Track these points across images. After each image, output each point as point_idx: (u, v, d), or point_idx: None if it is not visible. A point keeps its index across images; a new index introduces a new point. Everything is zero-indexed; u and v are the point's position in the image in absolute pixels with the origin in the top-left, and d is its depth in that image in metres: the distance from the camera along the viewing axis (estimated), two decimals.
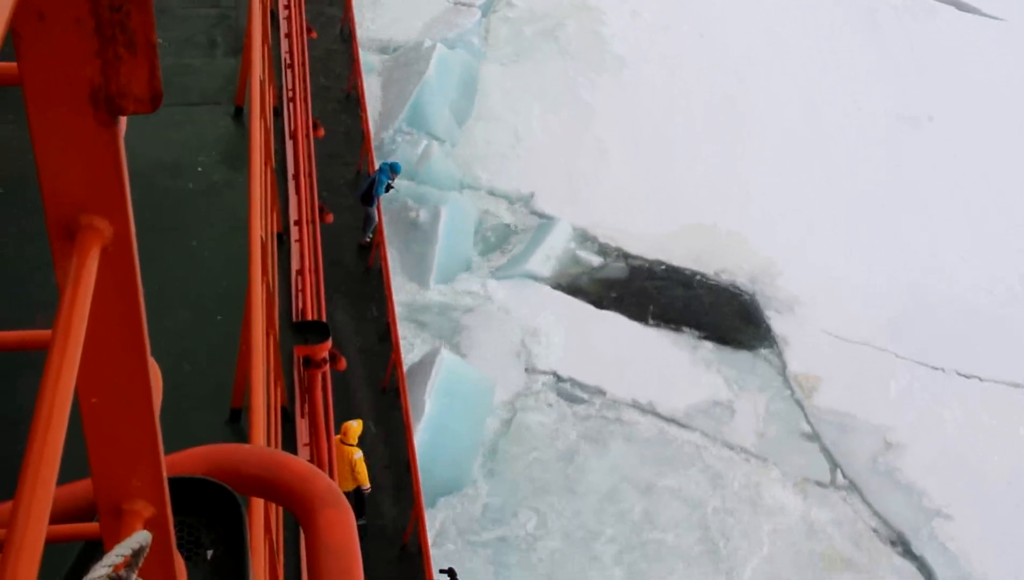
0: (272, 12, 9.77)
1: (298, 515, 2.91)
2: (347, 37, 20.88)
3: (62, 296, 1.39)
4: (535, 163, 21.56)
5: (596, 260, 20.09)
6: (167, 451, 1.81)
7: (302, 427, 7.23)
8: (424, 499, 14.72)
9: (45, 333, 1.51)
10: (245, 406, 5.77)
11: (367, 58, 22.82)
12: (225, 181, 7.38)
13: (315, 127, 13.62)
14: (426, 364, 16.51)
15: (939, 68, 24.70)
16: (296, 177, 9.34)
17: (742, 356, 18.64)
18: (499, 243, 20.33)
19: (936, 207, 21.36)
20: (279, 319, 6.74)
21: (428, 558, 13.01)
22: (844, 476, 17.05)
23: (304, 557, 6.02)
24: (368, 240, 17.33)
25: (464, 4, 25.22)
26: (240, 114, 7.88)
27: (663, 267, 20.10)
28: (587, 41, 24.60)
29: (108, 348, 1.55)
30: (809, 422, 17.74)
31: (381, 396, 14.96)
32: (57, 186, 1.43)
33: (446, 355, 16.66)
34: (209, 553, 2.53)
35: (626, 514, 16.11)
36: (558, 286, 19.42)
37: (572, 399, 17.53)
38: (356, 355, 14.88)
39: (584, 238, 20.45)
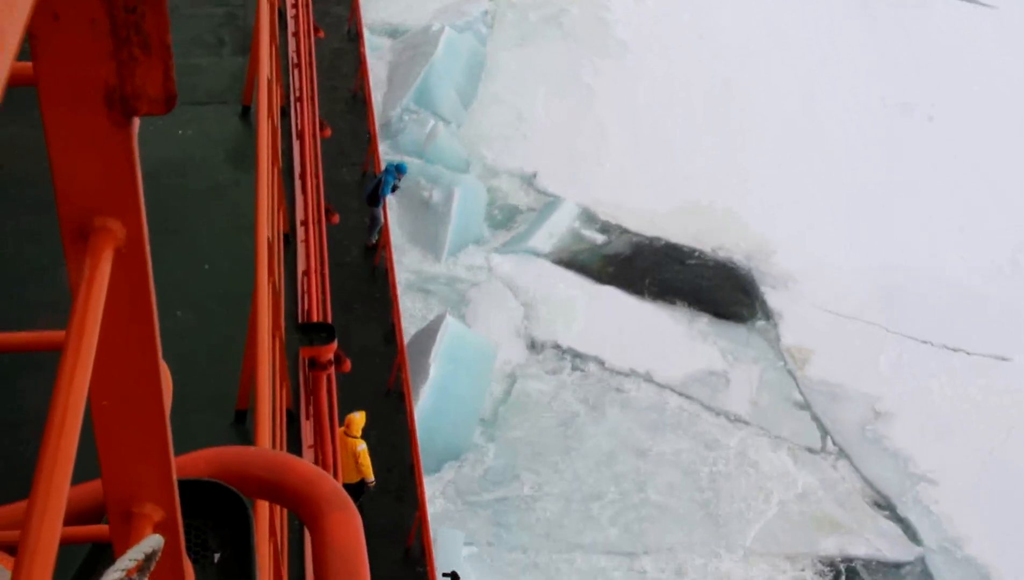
0: (280, 11, 9.77)
1: (305, 518, 2.90)
2: (354, 37, 20.88)
3: (75, 298, 1.38)
4: (538, 144, 22.28)
5: (597, 237, 20.74)
6: (174, 453, 1.81)
7: (307, 429, 7.23)
8: (428, 464, 15.40)
9: (57, 334, 1.50)
10: (250, 408, 5.76)
11: (377, 41, 23.92)
12: (232, 181, 7.38)
13: (322, 127, 13.62)
14: (431, 330, 16.95)
15: (932, 56, 25.36)
16: (303, 177, 9.34)
17: (737, 329, 19.31)
18: (505, 221, 20.99)
19: (927, 190, 22.02)
20: (285, 320, 6.73)
21: (431, 560, 13.00)
22: (834, 443, 17.67)
23: (309, 559, 6.01)
24: (374, 241, 17.33)
25: None
26: (247, 113, 7.88)
27: (662, 244, 20.75)
28: (590, 27, 25.37)
29: (120, 350, 1.55)
30: (801, 392, 18.40)
31: (385, 398, 14.95)
32: (71, 187, 1.42)
33: (451, 322, 17.07)
34: (216, 556, 2.53)
35: (622, 477, 16.61)
36: (560, 262, 20.04)
37: (571, 369, 18.12)
38: (361, 357, 14.88)
39: (586, 216, 21.08)
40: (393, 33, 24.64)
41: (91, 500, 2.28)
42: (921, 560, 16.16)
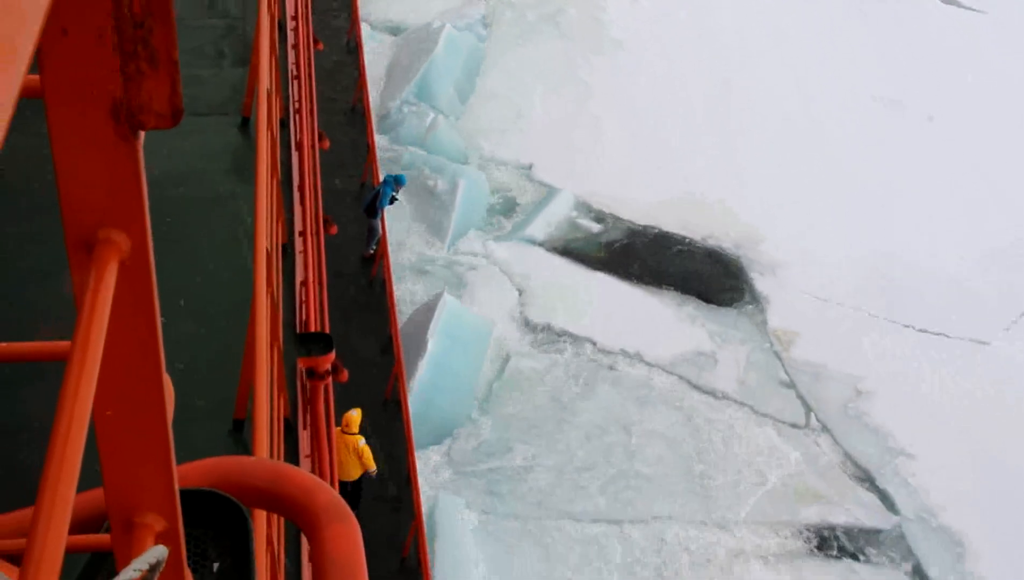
0: (280, 23, 9.80)
1: (304, 528, 2.91)
2: (353, 49, 20.94)
3: (80, 309, 1.39)
4: (535, 137, 22.89)
5: (591, 226, 21.34)
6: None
7: (304, 438, 7.23)
8: (425, 436, 16.06)
9: (61, 345, 1.51)
10: (248, 417, 5.77)
11: (379, 37, 24.75)
12: (231, 191, 7.39)
13: (320, 138, 13.65)
14: (429, 308, 17.48)
15: (926, 54, 26.06)
16: (301, 188, 9.35)
17: (725, 313, 19.86)
18: (502, 211, 21.54)
19: (913, 185, 22.69)
20: (283, 330, 6.74)
21: (427, 570, 12.98)
22: (817, 419, 18.19)
23: (306, 569, 6.01)
24: (372, 252, 17.34)
25: None
26: (247, 125, 7.90)
27: (654, 232, 21.35)
28: (587, 26, 26.03)
29: (124, 361, 1.56)
30: (786, 371, 18.92)
31: (383, 408, 14.95)
32: (77, 199, 1.43)
33: (449, 299, 17.59)
34: (215, 566, 2.53)
35: (612, 451, 17.09)
36: (555, 249, 20.65)
37: (563, 349, 18.63)
38: (358, 367, 14.89)
39: (581, 206, 21.69)
40: (395, 31, 25.35)
41: (91, 509, 2.29)
42: (898, 528, 16.69)
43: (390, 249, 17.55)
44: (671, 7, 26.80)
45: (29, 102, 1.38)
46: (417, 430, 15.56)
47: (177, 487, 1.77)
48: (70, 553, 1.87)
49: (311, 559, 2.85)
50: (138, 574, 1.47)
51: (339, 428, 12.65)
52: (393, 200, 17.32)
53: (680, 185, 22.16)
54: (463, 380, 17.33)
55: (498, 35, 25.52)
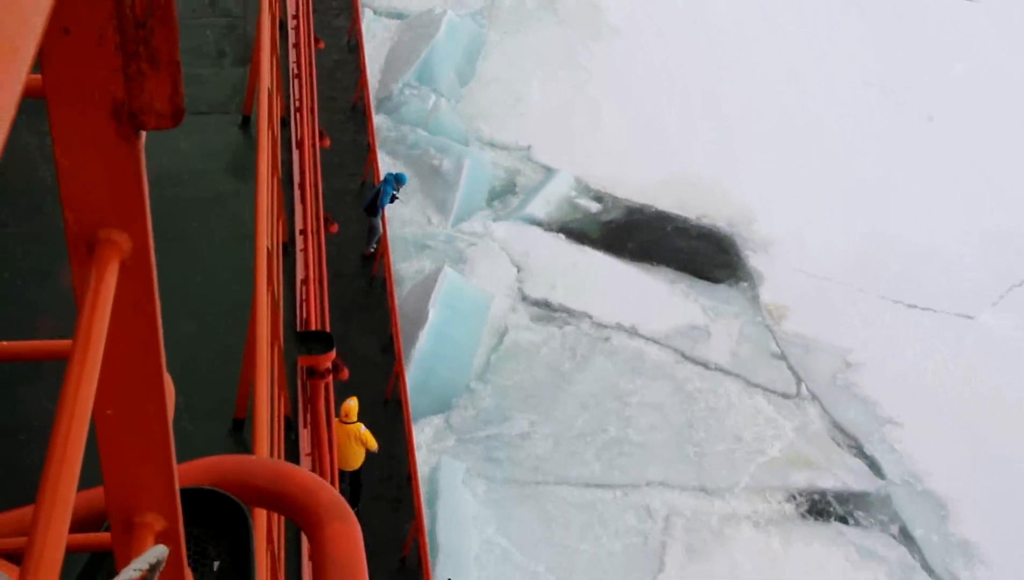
0: (280, 22, 9.80)
1: (304, 527, 2.91)
2: (354, 48, 20.94)
3: (81, 309, 1.39)
4: (534, 120, 23.40)
5: (589, 206, 21.84)
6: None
7: (305, 437, 7.23)
8: (425, 404, 16.57)
9: (62, 344, 1.51)
10: (248, 416, 5.77)
11: (382, 22, 25.41)
12: (232, 190, 7.39)
13: (321, 137, 13.65)
14: (431, 279, 18.01)
15: (916, 43, 26.47)
16: (302, 187, 9.35)
17: (719, 289, 20.39)
18: (501, 191, 22.01)
19: (901, 167, 23.19)
20: (283, 329, 6.74)
21: (428, 571, 12.99)
22: (807, 389, 18.70)
23: (306, 568, 6.01)
24: (372, 250, 17.34)
25: None
26: (248, 124, 7.89)
27: (649, 212, 21.84)
28: (585, 13, 26.48)
29: (125, 361, 1.56)
30: (778, 344, 19.43)
31: (383, 407, 14.95)
32: (78, 200, 1.43)
33: (449, 272, 18.13)
34: (215, 565, 2.53)
35: (607, 419, 17.57)
36: (552, 227, 21.14)
37: (560, 323, 19.12)
38: (359, 366, 14.89)
39: (579, 186, 22.20)
40: (398, 17, 25.87)
41: (91, 508, 2.29)
42: (885, 492, 17.18)
43: (393, 225, 17.97)
44: None
45: (28, 101, 1.38)
46: (417, 398, 16.17)
47: (177, 486, 1.77)
48: (70, 552, 1.88)
49: (311, 558, 2.85)
50: (138, 574, 1.47)
51: (338, 419, 12.72)
52: (394, 199, 17.32)
53: (676, 167, 22.64)
54: (463, 350, 17.76)
55: (498, 22, 26.06)
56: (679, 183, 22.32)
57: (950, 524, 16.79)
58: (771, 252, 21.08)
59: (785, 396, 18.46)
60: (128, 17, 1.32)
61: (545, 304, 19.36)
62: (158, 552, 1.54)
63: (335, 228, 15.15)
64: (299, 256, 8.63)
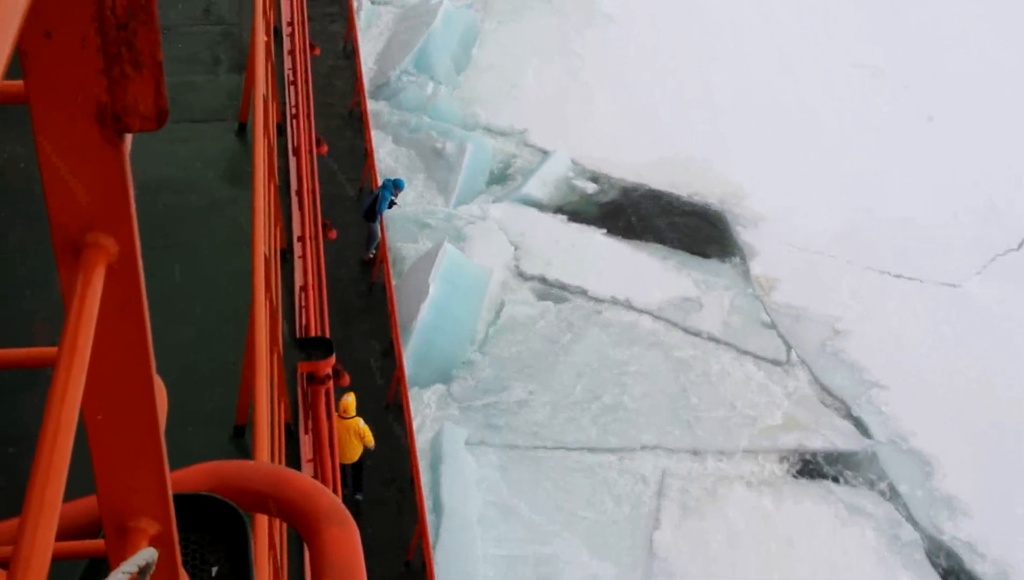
0: (275, 29, 9.80)
1: (302, 532, 2.90)
2: (350, 54, 20.96)
3: (68, 314, 1.39)
4: (529, 106, 24.04)
5: (584, 186, 22.48)
6: (171, 467, 1.81)
7: (306, 443, 7.22)
8: (425, 375, 17.17)
9: (50, 350, 1.50)
10: (249, 422, 5.76)
11: (380, 11, 26.20)
12: (229, 197, 7.39)
13: (318, 143, 13.64)
14: (431, 255, 18.53)
15: (902, 25, 27.08)
16: (299, 193, 9.35)
17: (710, 263, 21.03)
18: (499, 174, 22.65)
19: (888, 144, 23.77)
20: (283, 335, 6.74)
21: (432, 574, 12.98)
22: (797, 356, 19.29)
23: (308, 574, 6.00)
24: (371, 256, 17.34)
25: None
26: (244, 131, 7.89)
27: (643, 191, 22.47)
28: (578, 1, 27.21)
29: (114, 366, 1.55)
30: (768, 314, 20.03)
31: (384, 412, 14.95)
32: (63, 204, 1.42)
33: (449, 248, 18.65)
34: (214, 570, 2.52)
35: (602, 387, 18.09)
36: (548, 207, 21.75)
37: (556, 298, 19.67)
38: (359, 371, 14.89)
39: (574, 168, 22.83)
40: (396, 6, 26.56)
41: (89, 515, 2.28)
42: (871, 452, 17.74)
43: (399, 206, 18.37)
44: None
45: (23, 109, 1.38)
46: (418, 369, 16.88)
47: (170, 491, 1.76)
48: (65, 559, 1.87)
49: (310, 563, 2.84)
50: (126, 577, 1.47)
51: (337, 414, 12.77)
52: (392, 204, 17.34)
53: (668, 148, 23.24)
54: (462, 323, 18.28)
55: (493, 11, 26.70)
56: (672, 163, 22.94)
57: (934, 480, 17.30)
58: (761, 228, 21.64)
59: (775, 363, 19.05)
60: (110, 19, 1.31)
61: (541, 280, 19.93)
62: (147, 555, 1.53)
63: (334, 234, 15.15)
64: (298, 263, 8.63)
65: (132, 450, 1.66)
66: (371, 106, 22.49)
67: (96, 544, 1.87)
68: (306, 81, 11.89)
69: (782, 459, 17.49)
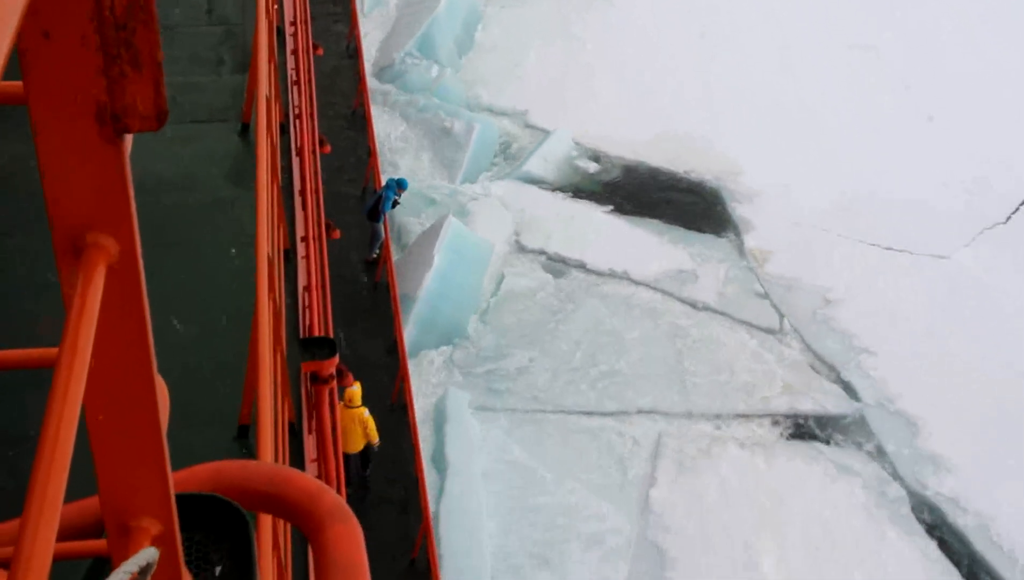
0: (278, 29, 9.80)
1: (306, 531, 2.90)
2: (353, 54, 20.96)
3: (68, 314, 1.39)
4: (530, 87, 24.81)
5: (583, 163, 23.18)
6: (175, 467, 1.81)
7: (309, 443, 7.22)
8: (430, 341, 17.83)
9: (51, 351, 1.50)
10: (253, 422, 5.76)
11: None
12: (232, 197, 7.39)
13: (321, 143, 13.65)
14: (436, 227, 19.18)
15: (895, 4, 27.76)
16: (303, 193, 9.35)
17: (706, 237, 21.73)
18: (501, 152, 23.30)
19: (880, 121, 24.45)
20: (286, 335, 6.74)
21: (436, 573, 12.98)
22: (789, 324, 19.96)
23: (312, 573, 6.00)
24: (375, 256, 17.34)
25: None
26: (247, 131, 7.89)
27: (641, 168, 23.18)
28: None
29: (115, 365, 1.55)
30: (761, 284, 20.77)
31: (389, 411, 14.95)
32: (63, 204, 1.42)
33: (453, 220, 19.30)
34: (218, 570, 2.52)
35: (600, 354, 18.71)
36: (548, 184, 22.37)
37: (556, 272, 20.28)
38: (363, 371, 14.90)
39: (574, 146, 23.50)
40: None
41: (92, 515, 2.29)
42: (860, 413, 18.35)
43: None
44: None
45: (24, 110, 1.38)
46: (423, 335, 17.57)
47: (172, 490, 1.76)
48: (68, 559, 1.87)
49: (313, 562, 2.84)
50: (128, 576, 1.47)
51: (342, 403, 12.79)
52: (395, 204, 17.34)
53: (665, 127, 23.93)
54: (465, 293, 18.91)
55: None
56: (669, 142, 23.61)
57: (920, 440, 17.86)
58: (756, 203, 22.27)
59: (768, 331, 19.72)
60: (109, 19, 1.31)
61: (541, 253, 20.55)
62: (148, 555, 1.53)
63: (337, 234, 15.14)
64: (301, 263, 8.63)
65: (133, 449, 1.66)
66: (378, 87, 23.22)
67: (98, 544, 1.87)
68: (309, 81, 11.89)
69: (774, 422, 18.10)
